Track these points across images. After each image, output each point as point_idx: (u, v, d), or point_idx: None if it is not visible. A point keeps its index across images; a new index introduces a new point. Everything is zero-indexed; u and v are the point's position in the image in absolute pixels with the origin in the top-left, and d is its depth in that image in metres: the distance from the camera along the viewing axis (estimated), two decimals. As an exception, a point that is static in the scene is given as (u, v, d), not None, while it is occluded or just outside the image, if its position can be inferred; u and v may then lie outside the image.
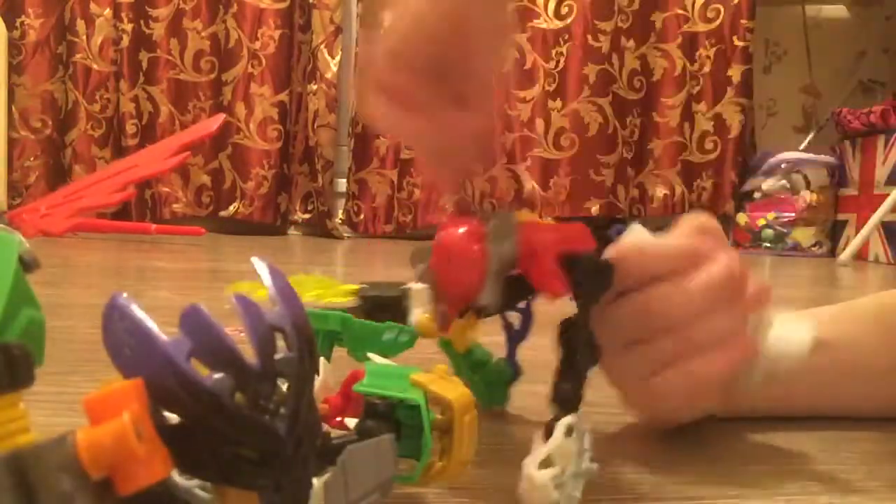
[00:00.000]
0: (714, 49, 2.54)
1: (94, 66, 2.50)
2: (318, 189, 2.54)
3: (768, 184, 2.55)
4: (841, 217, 2.55)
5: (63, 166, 2.51)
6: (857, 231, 2.31)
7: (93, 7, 2.48)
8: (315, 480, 0.22)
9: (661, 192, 2.58)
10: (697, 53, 2.55)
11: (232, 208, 2.54)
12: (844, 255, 2.19)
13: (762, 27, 2.65)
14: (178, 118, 2.53)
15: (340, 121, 2.60)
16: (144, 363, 0.19)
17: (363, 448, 0.25)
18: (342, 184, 2.62)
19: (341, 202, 2.63)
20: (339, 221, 2.60)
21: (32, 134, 2.49)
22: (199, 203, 2.55)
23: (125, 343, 0.19)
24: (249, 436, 0.20)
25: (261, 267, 0.22)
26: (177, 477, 0.20)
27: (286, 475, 0.21)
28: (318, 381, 0.31)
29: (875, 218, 2.20)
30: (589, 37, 2.53)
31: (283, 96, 2.55)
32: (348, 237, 2.56)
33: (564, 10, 2.55)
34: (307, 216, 2.61)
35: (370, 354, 0.34)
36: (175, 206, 2.53)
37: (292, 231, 2.64)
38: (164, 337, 0.19)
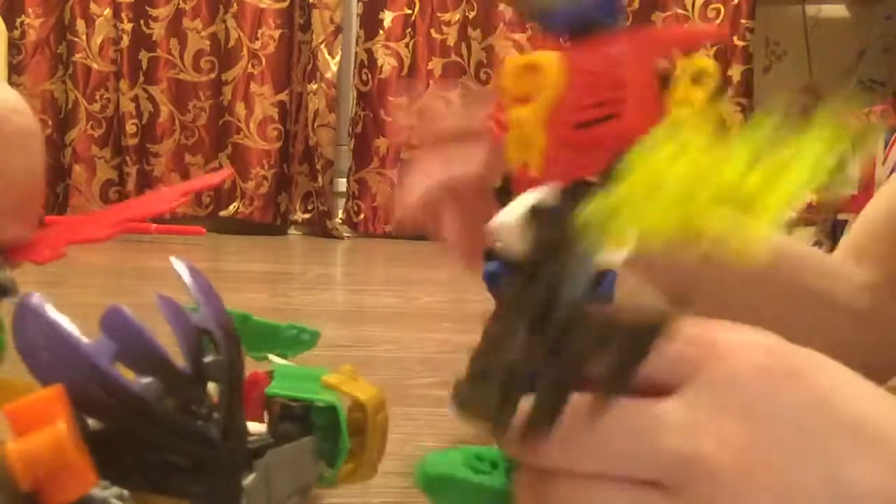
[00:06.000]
0: (714, 49, 2.53)
1: (94, 66, 2.50)
2: (318, 189, 2.54)
3: (768, 184, 2.54)
4: (841, 217, 2.54)
5: (63, 166, 2.51)
6: (858, 231, 2.30)
7: (93, 7, 2.47)
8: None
9: (661, 192, 2.57)
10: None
11: (232, 208, 2.54)
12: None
13: (762, 27, 2.64)
14: (178, 118, 2.53)
15: (340, 121, 2.59)
16: (65, 368, 0.18)
17: (285, 451, 0.24)
18: (342, 184, 2.61)
19: (341, 202, 2.63)
20: (339, 221, 2.59)
21: (33, 134, 2.49)
22: (199, 203, 2.55)
23: (42, 346, 0.18)
24: (182, 442, 0.19)
25: (180, 267, 0.21)
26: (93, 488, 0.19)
27: (220, 481, 0.20)
28: None
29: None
30: (589, 36, 2.52)
31: (283, 96, 2.55)
32: (348, 237, 2.56)
33: (564, 10, 2.54)
34: (307, 216, 2.61)
35: (270, 355, 0.33)
36: (175, 205, 2.53)
37: (292, 231, 2.63)
38: (85, 340, 0.18)
